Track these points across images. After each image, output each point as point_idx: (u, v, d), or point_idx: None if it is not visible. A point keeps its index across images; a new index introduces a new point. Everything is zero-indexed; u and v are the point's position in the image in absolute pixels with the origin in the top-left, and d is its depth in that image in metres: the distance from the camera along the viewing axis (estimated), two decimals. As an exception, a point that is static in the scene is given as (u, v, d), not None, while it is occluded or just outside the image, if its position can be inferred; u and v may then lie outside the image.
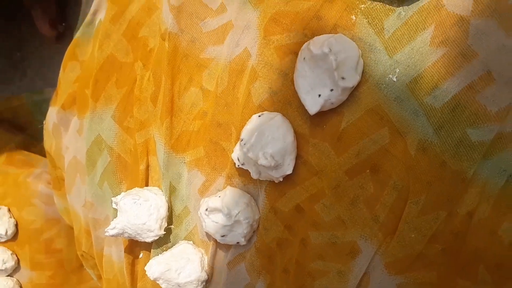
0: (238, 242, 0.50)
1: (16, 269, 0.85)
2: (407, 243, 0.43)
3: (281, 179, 0.46)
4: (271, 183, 0.48)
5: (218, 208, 0.48)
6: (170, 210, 0.55)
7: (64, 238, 0.86)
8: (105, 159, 0.62)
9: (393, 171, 0.43)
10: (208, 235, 0.53)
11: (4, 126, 0.96)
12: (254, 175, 0.47)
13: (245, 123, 0.46)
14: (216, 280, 0.54)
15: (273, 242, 0.49)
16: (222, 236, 0.49)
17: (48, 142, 0.74)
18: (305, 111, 0.44)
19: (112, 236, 0.54)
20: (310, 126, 0.45)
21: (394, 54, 0.41)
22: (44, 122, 0.75)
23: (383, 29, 0.42)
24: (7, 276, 0.84)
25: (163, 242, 0.56)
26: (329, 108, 0.43)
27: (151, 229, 0.53)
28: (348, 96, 0.43)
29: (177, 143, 0.54)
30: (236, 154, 0.48)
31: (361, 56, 0.42)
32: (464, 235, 0.42)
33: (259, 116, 0.46)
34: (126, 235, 0.54)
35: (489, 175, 0.40)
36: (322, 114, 0.44)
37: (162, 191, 0.56)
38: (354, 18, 0.43)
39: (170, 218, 0.56)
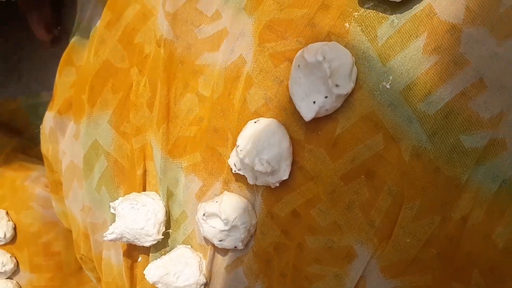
0: (235, 247, 0.50)
1: (15, 271, 0.85)
2: (402, 247, 0.43)
3: (277, 185, 0.47)
4: (268, 188, 0.48)
5: (216, 213, 0.49)
6: (168, 214, 0.56)
7: (63, 241, 0.86)
8: (102, 164, 0.62)
9: (387, 176, 0.43)
10: (206, 240, 0.53)
11: (0, 129, 0.96)
12: (250, 181, 0.47)
13: (241, 129, 0.47)
14: (214, 283, 0.54)
15: (270, 246, 0.49)
16: (220, 240, 0.50)
17: (45, 146, 0.75)
18: (301, 117, 0.44)
19: (111, 240, 0.54)
20: (305, 132, 0.46)
21: (387, 62, 0.42)
22: (40, 127, 0.76)
23: (377, 36, 0.42)
24: (7, 278, 0.85)
25: (162, 246, 0.57)
26: (324, 114, 0.43)
27: (149, 234, 0.54)
28: (343, 103, 0.43)
29: (173, 148, 0.55)
30: (232, 160, 0.48)
31: (355, 64, 0.42)
32: (458, 239, 0.42)
33: (255, 122, 0.46)
34: (124, 239, 0.55)
35: (482, 181, 0.41)
36: (317, 120, 0.44)
37: (160, 196, 0.56)
38: (347, 25, 0.44)
39: (168, 223, 0.56)
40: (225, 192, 0.51)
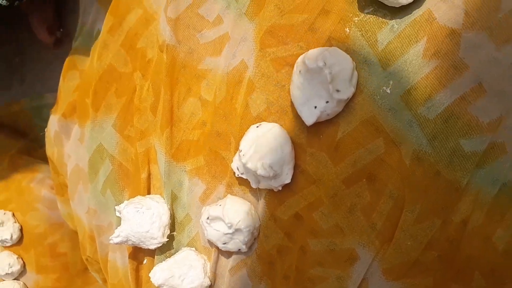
0: (239, 249, 0.51)
1: (22, 272, 0.86)
2: (404, 250, 0.44)
3: (280, 188, 0.47)
4: (271, 191, 0.49)
5: (219, 216, 0.49)
6: (173, 217, 0.56)
7: (68, 242, 0.87)
8: (107, 168, 0.63)
9: (388, 180, 0.44)
10: (210, 242, 0.54)
11: (5, 131, 0.97)
12: (253, 184, 0.48)
13: (244, 133, 0.48)
14: (219, 285, 0.55)
15: (273, 249, 0.50)
16: (224, 243, 0.50)
17: (50, 149, 0.75)
18: (302, 121, 0.45)
19: (117, 244, 0.55)
20: (307, 136, 0.46)
21: (387, 66, 0.42)
22: (45, 130, 0.76)
23: (377, 41, 0.43)
24: (14, 279, 0.85)
25: (166, 248, 0.57)
26: (325, 119, 0.44)
27: (154, 237, 0.54)
28: (344, 107, 0.44)
29: (177, 152, 0.55)
30: (235, 164, 0.49)
31: (356, 68, 0.43)
32: (459, 242, 0.43)
33: (257, 127, 0.47)
34: (130, 242, 0.55)
35: (482, 184, 0.41)
36: (318, 124, 0.45)
37: (164, 199, 0.57)
38: (348, 30, 0.44)
39: (172, 225, 0.57)
40: (229, 195, 0.51)
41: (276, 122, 0.47)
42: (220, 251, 0.54)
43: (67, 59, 0.71)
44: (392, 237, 0.44)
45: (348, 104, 0.44)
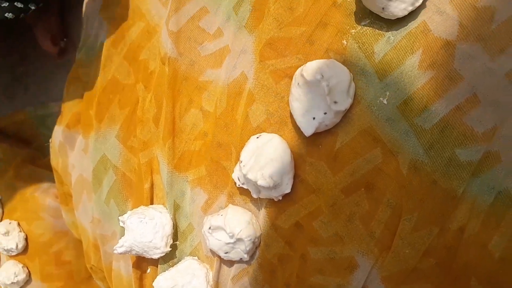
0: (241, 258, 0.51)
1: (27, 281, 0.87)
2: (402, 258, 0.44)
3: (280, 198, 0.48)
4: (271, 201, 0.50)
5: (221, 226, 0.50)
6: (175, 227, 0.57)
7: (73, 250, 0.88)
8: (110, 178, 0.64)
9: (386, 189, 0.44)
10: (212, 251, 0.55)
11: (10, 141, 0.98)
12: (254, 194, 0.49)
13: (244, 144, 0.48)
14: (221, 294, 0.56)
15: (274, 257, 0.51)
16: (226, 253, 0.51)
17: (55, 159, 0.76)
18: (302, 131, 0.45)
19: (120, 253, 0.56)
20: (306, 146, 0.47)
21: (384, 78, 0.43)
22: (50, 140, 0.77)
23: (373, 53, 0.44)
24: (19, 288, 0.87)
25: (169, 257, 0.58)
26: (324, 129, 0.45)
27: (157, 247, 0.55)
28: (342, 118, 0.45)
29: (179, 162, 0.56)
30: (236, 174, 0.50)
31: (353, 80, 0.44)
32: (456, 249, 0.43)
33: (257, 137, 0.48)
34: (133, 252, 0.56)
35: (478, 193, 0.42)
36: (317, 135, 0.45)
37: (167, 209, 0.57)
38: (345, 42, 0.45)
39: (175, 235, 0.57)
40: (230, 205, 0.52)
41: (276, 133, 0.48)
42: (222, 260, 0.54)
43: (71, 71, 0.72)
44: (391, 245, 0.45)
45: (346, 114, 0.45)
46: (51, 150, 0.77)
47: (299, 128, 0.46)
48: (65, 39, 0.95)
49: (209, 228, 0.51)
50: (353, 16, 0.45)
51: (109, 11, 0.67)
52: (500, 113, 0.40)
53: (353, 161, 0.45)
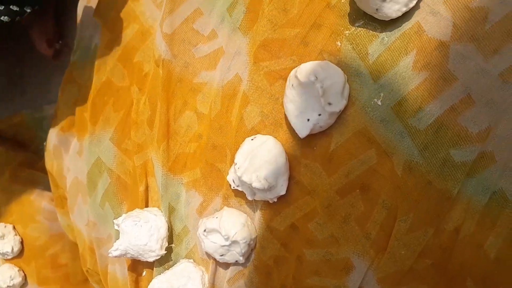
0: (236, 261, 0.51)
1: (23, 284, 0.86)
2: (398, 259, 0.44)
3: (275, 200, 0.48)
4: (266, 203, 0.49)
5: (216, 229, 0.50)
6: (170, 229, 0.57)
7: (69, 253, 0.87)
8: (105, 181, 0.63)
9: (381, 190, 0.44)
10: (207, 254, 0.54)
11: (6, 144, 0.97)
12: (249, 197, 0.49)
13: (239, 146, 0.48)
14: (217, 296, 0.56)
15: (270, 259, 0.51)
16: (221, 255, 0.51)
17: (50, 162, 0.76)
18: (296, 133, 0.45)
19: (116, 257, 0.56)
20: (301, 147, 0.47)
21: (378, 79, 0.43)
22: (44, 143, 0.77)
23: (368, 54, 0.44)
24: (15, 291, 0.86)
25: (165, 260, 0.58)
26: (319, 131, 0.45)
27: (153, 249, 0.55)
28: (336, 119, 0.45)
29: (174, 165, 0.56)
30: (231, 176, 0.50)
31: (347, 81, 0.44)
32: (451, 250, 0.43)
33: (252, 139, 0.47)
34: (129, 255, 0.56)
35: (473, 193, 0.42)
36: (312, 136, 0.45)
37: (162, 211, 0.57)
38: (339, 44, 0.45)
39: (170, 237, 0.57)
40: (225, 207, 0.52)
41: (271, 135, 0.48)
42: (217, 263, 0.54)
43: (65, 73, 0.72)
44: (387, 246, 0.45)
45: (341, 116, 0.44)
46: (45, 153, 0.77)
47: (293, 130, 0.45)
48: (60, 41, 0.94)
49: (204, 230, 0.51)
50: (347, 18, 0.45)
51: (104, 13, 0.66)
52: (494, 114, 0.40)
53: (348, 162, 0.45)
